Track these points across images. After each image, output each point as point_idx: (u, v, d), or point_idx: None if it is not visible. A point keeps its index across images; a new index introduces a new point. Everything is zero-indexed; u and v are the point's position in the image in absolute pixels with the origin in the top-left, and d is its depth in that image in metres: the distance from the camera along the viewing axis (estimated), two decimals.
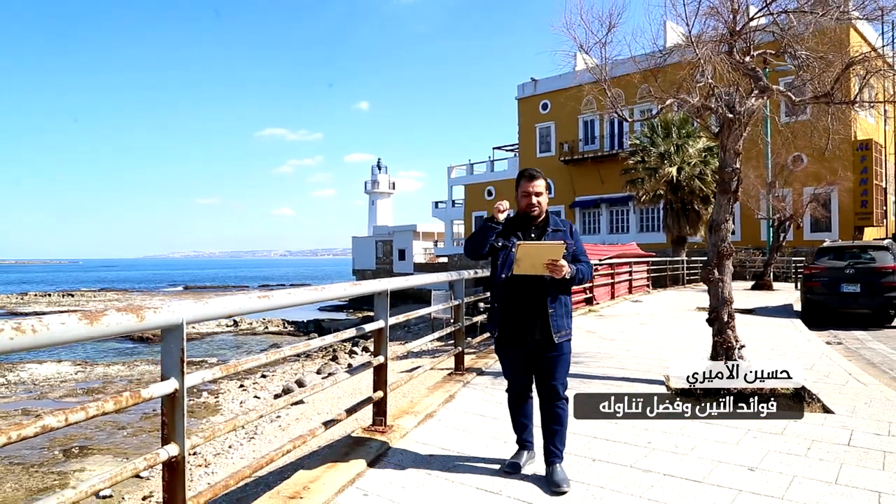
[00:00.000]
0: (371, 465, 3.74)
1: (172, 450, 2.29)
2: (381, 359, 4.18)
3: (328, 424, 3.72)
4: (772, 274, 22.04)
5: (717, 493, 3.33)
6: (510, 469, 3.62)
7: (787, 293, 18.57)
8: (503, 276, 3.51)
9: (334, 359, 22.19)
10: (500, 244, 3.54)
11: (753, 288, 21.14)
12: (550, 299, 3.46)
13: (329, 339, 3.82)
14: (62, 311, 1.97)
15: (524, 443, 3.73)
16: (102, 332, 1.94)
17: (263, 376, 19.03)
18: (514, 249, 3.38)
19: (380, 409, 4.28)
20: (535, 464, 3.66)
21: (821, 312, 12.51)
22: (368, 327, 4.17)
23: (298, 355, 21.17)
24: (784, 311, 13.72)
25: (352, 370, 4.22)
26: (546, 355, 3.50)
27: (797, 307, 14.02)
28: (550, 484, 3.43)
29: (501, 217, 3.54)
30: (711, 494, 3.32)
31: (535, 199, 3.53)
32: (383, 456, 3.92)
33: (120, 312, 2.01)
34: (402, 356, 12.36)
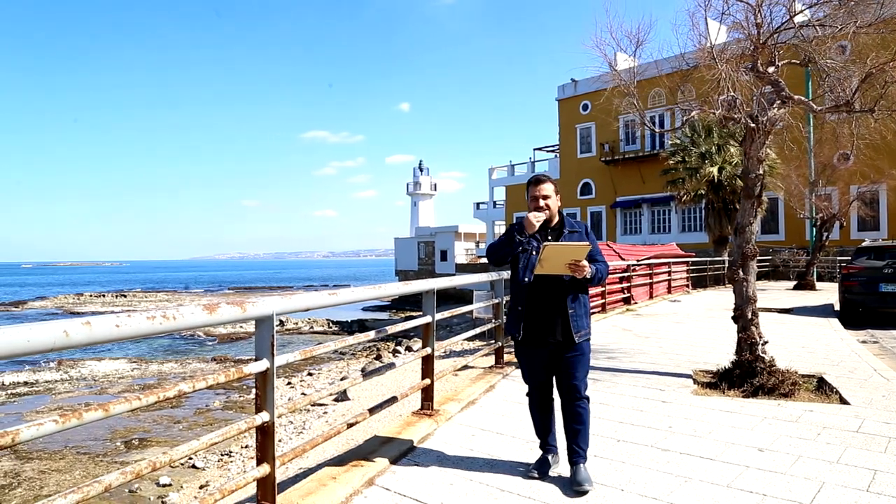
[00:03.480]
0: (420, 442, 4.28)
1: (265, 416, 2.85)
2: (428, 350, 4.72)
3: (384, 405, 4.26)
4: (815, 273, 21.92)
5: (726, 469, 3.77)
6: (536, 474, 3.65)
7: (830, 293, 18.51)
8: (526, 279, 3.54)
9: (378, 357, 22.80)
10: (519, 248, 3.59)
11: (796, 288, 21.09)
12: (571, 299, 3.53)
13: (388, 329, 4.37)
14: (120, 310, 2.52)
15: (548, 447, 3.76)
16: (218, 320, 2.51)
17: (310, 374, 19.75)
18: (534, 253, 3.47)
19: (427, 394, 4.82)
20: (560, 467, 3.73)
21: (859, 312, 12.61)
22: (417, 322, 4.71)
23: (358, 347, 21.90)
24: (823, 311, 13.83)
25: (381, 366, 4.72)
26: (566, 356, 3.54)
27: (838, 307, 14.10)
28: (573, 483, 3.48)
29: (533, 228, 3.50)
30: (721, 469, 3.76)
31: (542, 203, 3.57)
32: (430, 435, 4.45)
33: (230, 305, 2.58)
34: (445, 355, 12.91)
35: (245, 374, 2.73)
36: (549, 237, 3.58)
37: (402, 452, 4.02)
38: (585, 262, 3.40)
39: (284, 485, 3.46)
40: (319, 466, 4.16)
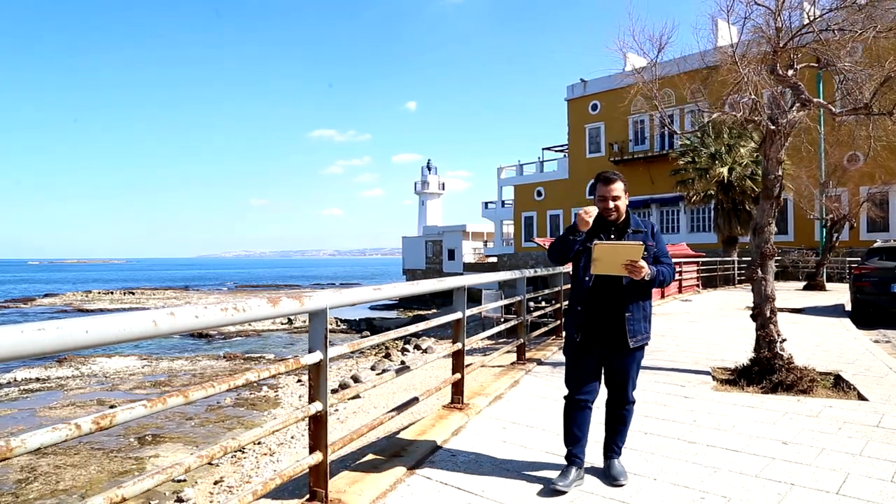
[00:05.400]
0: (454, 434, 4.42)
1: (318, 406, 2.99)
2: (459, 345, 4.85)
3: (414, 401, 4.38)
4: (825, 274, 21.96)
5: (752, 460, 3.90)
6: (558, 488, 3.39)
7: (840, 294, 18.57)
8: (586, 278, 3.42)
9: (387, 356, 22.95)
10: (581, 247, 3.44)
11: (805, 288, 21.13)
12: (628, 303, 3.39)
13: (422, 325, 4.51)
14: (135, 308, 2.65)
15: (573, 458, 3.55)
16: (279, 312, 2.65)
17: None
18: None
19: (458, 388, 4.96)
20: (585, 483, 3.55)
21: (871, 312, 12.69)
22: (448, 318, 4.84)
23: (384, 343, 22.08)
24: (834, 311, 13.91)
25: (404, 363, 4.86)
26: (620, 360, 3.45)
27: (849, 307, 14.18)
28: (608, 477, 3.53)
29: (587, 225, 3.37)
30: (747, 461, 3.89)
31: (611, 204, 3.42)
32: (463, 428, 4.59)
33: (289, 299, 2.72)
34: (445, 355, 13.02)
35: (302, 364, 2.87)
36: (612, 236, 3.44)
37: (439, 444, 4.16)
38: (643, 264, 3.23)
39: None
40: (356, 457, 4.30)
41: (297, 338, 32.26)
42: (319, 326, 2.98)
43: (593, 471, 3.70)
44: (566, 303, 7.55)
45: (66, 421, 1.78)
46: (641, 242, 3.28)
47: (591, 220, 3.36)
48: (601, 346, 3.45)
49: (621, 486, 3.47)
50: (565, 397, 3.62)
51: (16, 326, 1.61)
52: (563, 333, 3.72)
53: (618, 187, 3.43)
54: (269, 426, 2.68)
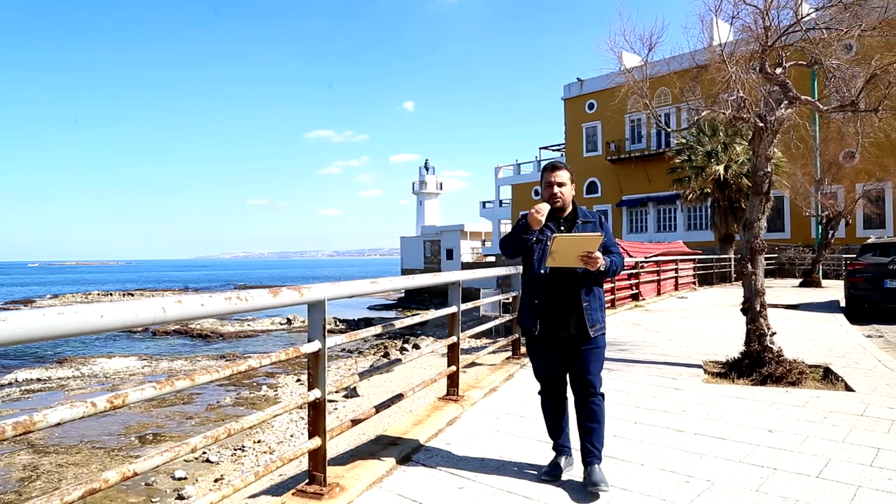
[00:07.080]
0: (450, 424, 4.56)
1: (317, 393, 3.12)
2: (454, 338, 4.98)
3: (410, 393, 4.51)
4: (821, 271, 22.08)
5: (737, 447, 4.03)
6: (548, 477, 3.51)
7: (836, 290, 18.69)
8: (542, 271, 3.43)
9: (385, 356, 23.09)
10: (534, 238, 3.43)
11: (801, 285, 21.26)
12: (585, 292, 3.40)
13: (418, 318, 4.65)
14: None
15: (561, 448, 3.62)
16: (280, 303, 2.78)
17: None
18: (548, 244, 3.31)
19: (453, 381, 5.09)
20: (574, 470, 3.58)
21: (864, 307, 12.83)
22: (443, 312, 4.97)
23: (382, 335, 22.21)
24: (828, 307, 14.04)
25: (395, 358, 4.98)
26: (581, 350, 3.41)
27: (843, 303, 14.30)
28: (587, 485, 3.32)
29: (539, 224, 3.36)
30: (733, 447, 4.02)
31: (556, 189, 3.44)
32: (458, 418, 4.73)
33: (289, 290, 2.85)
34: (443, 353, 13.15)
35: (301, 353, 3.00)
36: (562, 227, 3.47)
37: (434, 433, 4.29)
38: (599, 254, 3.25)
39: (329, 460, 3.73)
40: (360, 447, 4.42)
41: (295, 337, 32.39)
42: (318, 317, 3.11)
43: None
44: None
45: (83, 399, 1.91)
46: (600, 233, 3.31)
47: (543, 219, 3.35)
48: (561, 337, 3.43)
49: (600, 493, 3.27)
50: (539, 392, 3.68)
51: (38, 310, 1.74)
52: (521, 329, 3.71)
53: (563, 175, 3.48)
54: (271, 410, 2.81)
